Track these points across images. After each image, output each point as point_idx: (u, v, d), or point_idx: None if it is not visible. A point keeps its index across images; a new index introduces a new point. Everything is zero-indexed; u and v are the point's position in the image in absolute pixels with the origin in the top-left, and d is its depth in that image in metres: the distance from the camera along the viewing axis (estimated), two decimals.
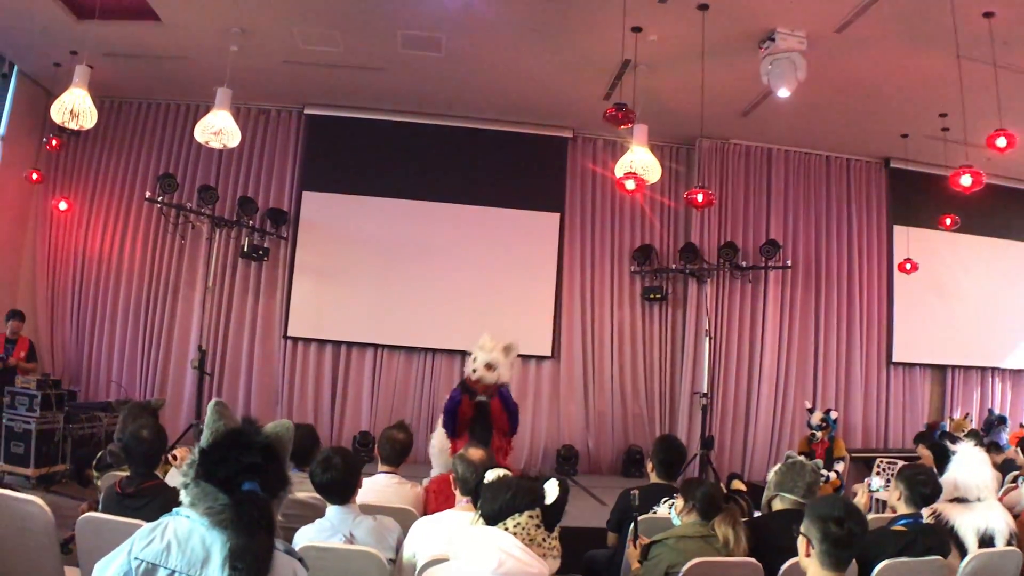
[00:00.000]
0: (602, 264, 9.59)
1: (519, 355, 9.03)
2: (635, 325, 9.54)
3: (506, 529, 2.30)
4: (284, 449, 2.00)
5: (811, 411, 7.52)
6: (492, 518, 2.35)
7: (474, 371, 5.58)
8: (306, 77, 8.44)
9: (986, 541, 3.65)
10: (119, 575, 1.82)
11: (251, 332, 9.17)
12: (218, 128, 6.21)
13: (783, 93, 6.38)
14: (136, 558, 1.82)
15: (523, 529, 2.31)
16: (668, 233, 9.69)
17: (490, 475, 2.64)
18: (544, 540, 2.36)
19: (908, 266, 9.06)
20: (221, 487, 1.84)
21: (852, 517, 2.34)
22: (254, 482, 1.86)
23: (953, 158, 7.74)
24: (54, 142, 8.22)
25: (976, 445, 4.17)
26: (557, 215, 9.54)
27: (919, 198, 9.48)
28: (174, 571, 1.81)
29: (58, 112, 5.70)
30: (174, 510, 1.93)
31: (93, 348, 9.14)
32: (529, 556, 2.22)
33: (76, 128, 5.89)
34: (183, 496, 1.91)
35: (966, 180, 6.40)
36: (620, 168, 6.75)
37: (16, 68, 8.44)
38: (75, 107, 5.67)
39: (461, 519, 3.08)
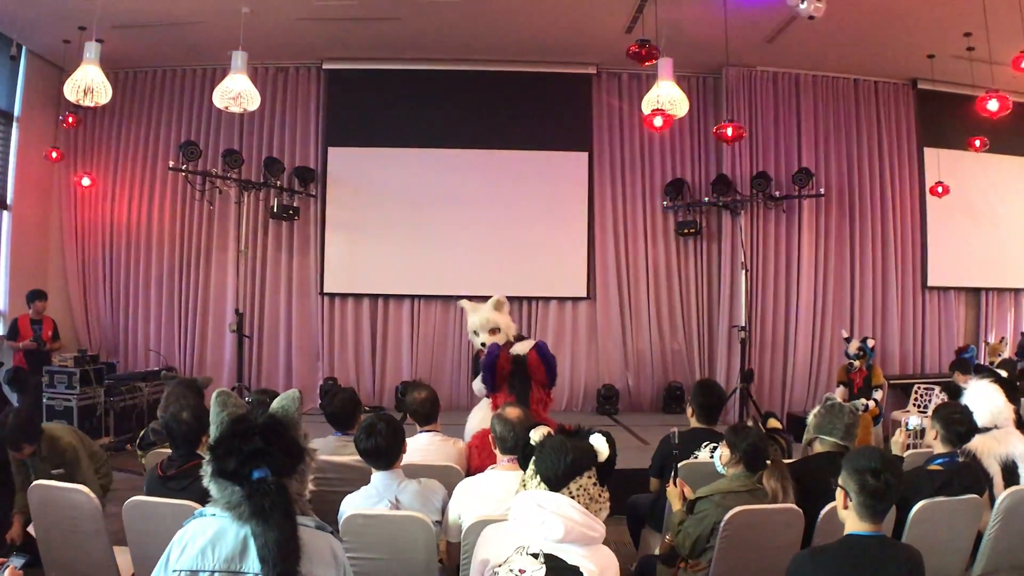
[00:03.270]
0: (633, 201, 9.46)
1: (556, 298, 9.19)
2: (670, 261, 9.47)
3: (569, 493, 2.31)
4: (291, 422, 1.94)
5: (848, 340, 7.46)
6: (555, 483, 2.34)
7: (483, 344, 5.19)
8: (322, 32, 8.33)
9: (1009, 467, 3.64)
10: None
11: (287, 292, 9.28)
12: (236, 92, 6.16)
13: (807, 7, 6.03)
14: (175, 571, 1.80)
15: (584, 490, 2.33)
16: (699, 166, 9.51)
17: (535, 435, 2.59)
18: (600, 495, 2.38)
19: (940, 189, 8.88)
20: (233, 480, 1.81)
21: (888, 469, 2.32)
22: (262, 468, 1.81)
23: (980, 77, 7.50)
24: (70, 119, 8.12)
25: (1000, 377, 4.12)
26: (585, 154, 9.42)
27: (948, 119, 9.20)
28: (213, 571, 1.79)
29: (71, 91, 5.65)
30: (196, 511, 1.92)
31: (129, 319, 9.30)
32: (590, 519, 2.24)
33: (91, 105, 5.82)
34: (212, 492, 1.90)
35: (993, 105, 6.33)
36: (647, 104, 6.63)
37: (25, 49, 8.32)
38: (88, 84, 5.62)
39: (504, 479, 3.11)
